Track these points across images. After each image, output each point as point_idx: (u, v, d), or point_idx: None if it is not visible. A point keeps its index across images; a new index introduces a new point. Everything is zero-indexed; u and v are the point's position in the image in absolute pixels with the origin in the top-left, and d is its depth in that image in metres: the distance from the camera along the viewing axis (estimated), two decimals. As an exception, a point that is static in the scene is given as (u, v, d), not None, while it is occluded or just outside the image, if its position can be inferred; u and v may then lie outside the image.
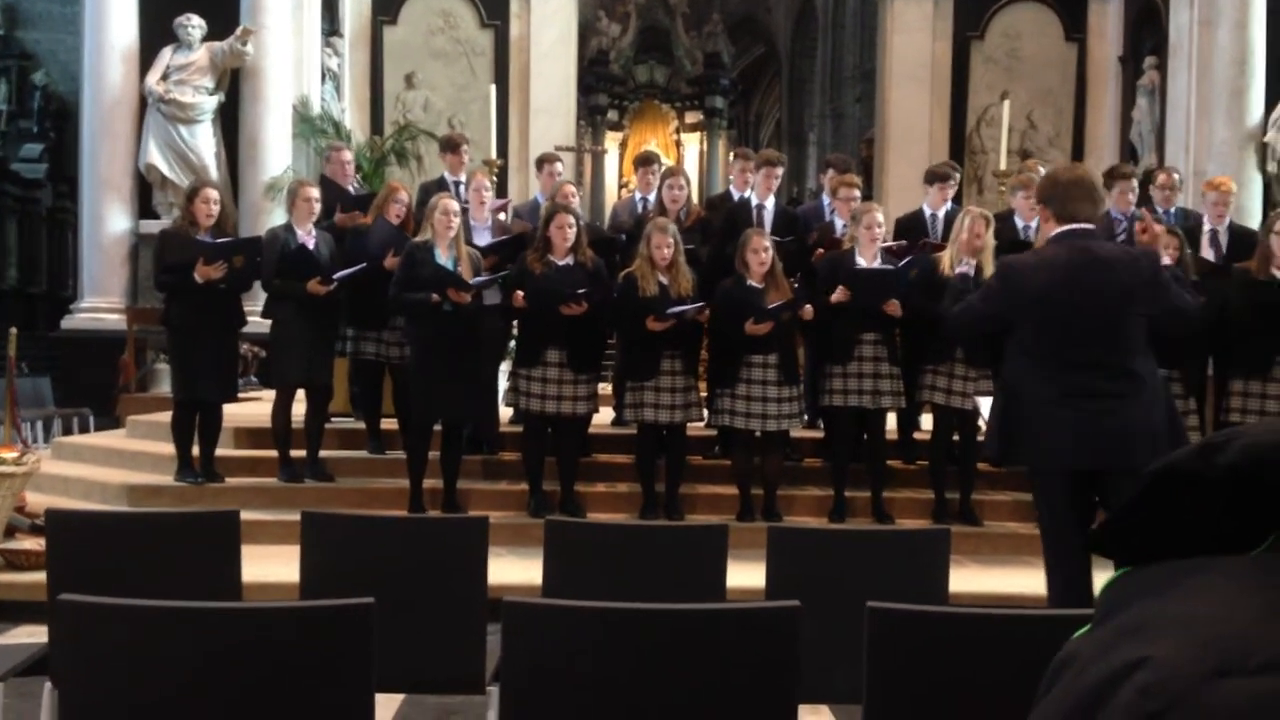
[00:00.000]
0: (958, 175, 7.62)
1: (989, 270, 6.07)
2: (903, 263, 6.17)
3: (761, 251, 5.94)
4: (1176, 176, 7.50)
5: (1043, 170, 8.15)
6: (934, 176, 7.16)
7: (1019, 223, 6.79)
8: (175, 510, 5.10)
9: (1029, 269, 4.00)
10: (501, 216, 7.16)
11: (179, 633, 2.16)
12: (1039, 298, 3.85)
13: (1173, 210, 7.16)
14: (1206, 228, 7.03)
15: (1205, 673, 0.56)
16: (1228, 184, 7.22)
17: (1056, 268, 3.85)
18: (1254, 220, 9.46)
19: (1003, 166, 9.33)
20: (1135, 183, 7.08)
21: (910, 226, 7.08)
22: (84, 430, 9.81)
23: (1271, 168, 10.76)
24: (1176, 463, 0.67)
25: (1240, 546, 0.66)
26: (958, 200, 7.56)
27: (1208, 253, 6.86)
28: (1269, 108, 10.74)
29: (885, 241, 6.45)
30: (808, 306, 5.93)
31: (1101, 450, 3.78)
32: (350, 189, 7.47)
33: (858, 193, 6.87)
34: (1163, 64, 12.21)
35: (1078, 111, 13.61)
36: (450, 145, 7.62)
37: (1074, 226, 3.87)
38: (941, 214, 7.01)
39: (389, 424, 6.84)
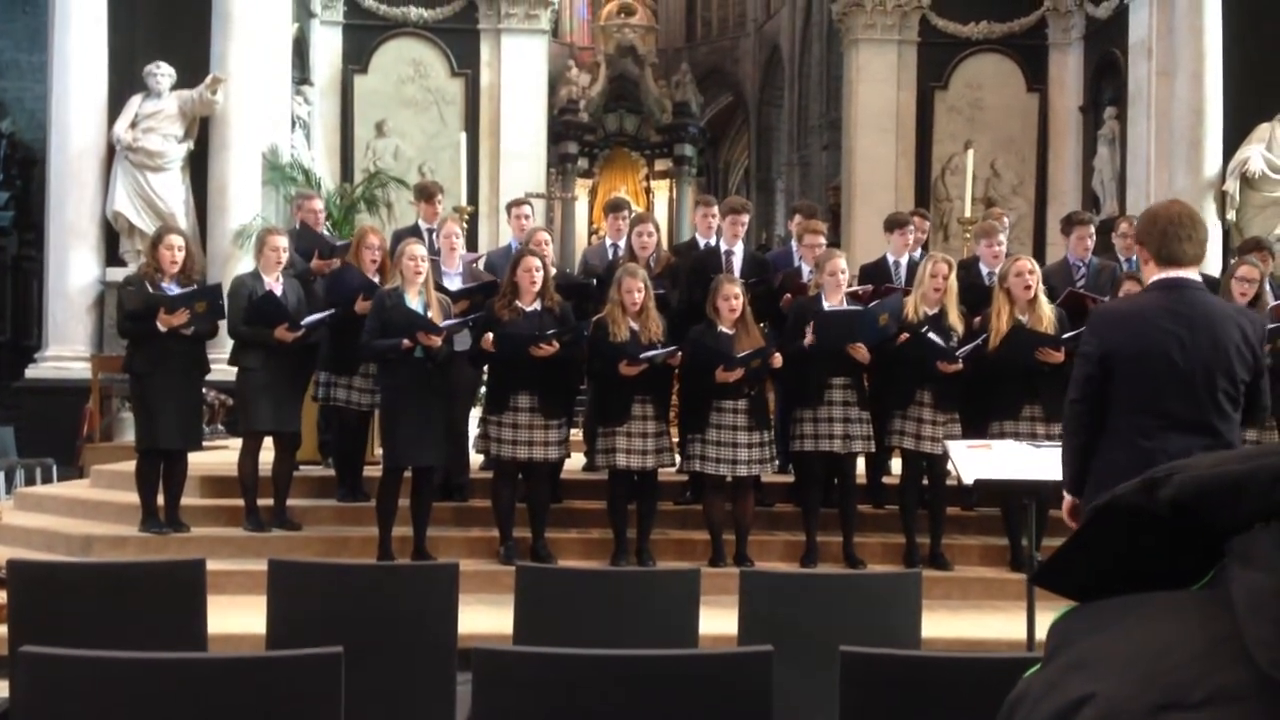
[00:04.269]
0: (925, 221, 7.72)
1: (953, 315, 6.15)
2: (871, 305, 6.22)
3: (732, 298, 5.97)
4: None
5: (1007, 220, 8.29)
6: (893, 224, 7.25)
7: (983, 269, 6.88)
8: (139, 560, 5.03)
9: (1121, 316, 3.72)
10: (475, 266, 7.18)
11: (144, 684, 2.12)
12: (1129, 349, 3.50)
13: (1133, 258, 7.27)
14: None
15: (1148, 708, 0.57)
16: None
17: (1150, 317, 3.51)
18: (1214, 268, 9.62)
19: (967, 214, 9.47)
20: (1092, 229, 7.20)
21: (873, 274, 7.15)
22: (47, 480, 9.67)
23: (1231, 215, 10.97)
24: (1120, 497, 0.67)
25: (1183, 582, 0.66)
26: (925, 248, 7.64)
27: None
28: (1226, 156, 10.97)
29: (851, 287, 6.51)
30: (777, 355, 5.96)
31: None
32: (324, 233, 7.48)
33: (822, 239, 6.93)
34: (1122, 113, 12.48)
35: (1040, 160, 13.86)
36: (425, 194, 7.64)
37: (1176, 274, 3.49)
38: (904, 261, 7.09)
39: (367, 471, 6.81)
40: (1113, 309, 4.01)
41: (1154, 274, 3.53)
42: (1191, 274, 3.51)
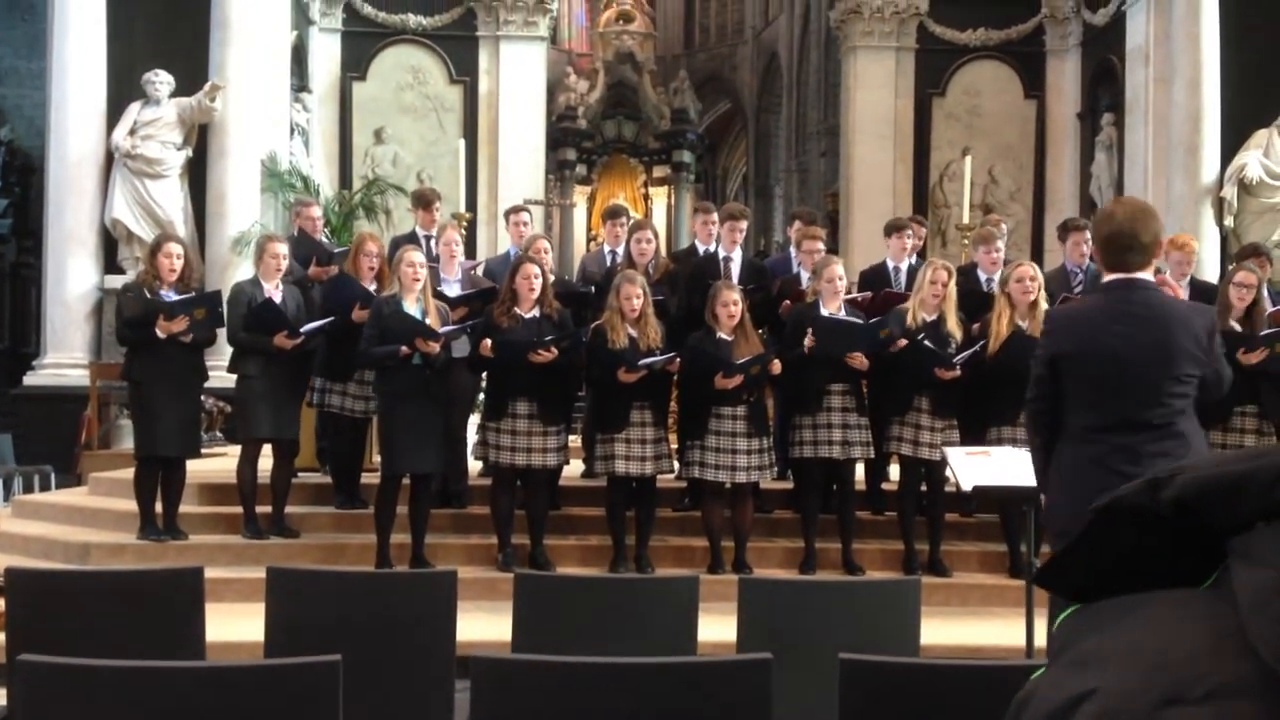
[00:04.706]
0: (922, 228, 7.72)
1: (952, 321, 6.16)
2: (873, 320, 6.21)
3: (731, 305, 5.97)
4: (1135, 231, 7.63)
5: (1005, 227, 8.31)
6: (891, 228, 7.27)
7: (981, 276, 6.88)
8: (137, 568, 5.02)
9: (1071, 319, 3.79)
10: (474, 273, 7.18)
11: (142, 693, 2.12)
12: (1078, 350, 3.56)
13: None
14: (1169, 282, 7.17)
15: (1152, 702, 0.58)
16: (1191, 244, 7.37)
17: (1097, 318, 3.58)
18: (1211, 273, 9.64)
19: (965, 220, 9.48)
20: (1088, 235, 7.20)
21: (873, 279, 7.16)
22: (45, 488, 9.66)
23: (1228, 222, 10.98)
24: (1123, 498, 0.68)
25: (1184, 583, 0.67)
26: (922, 255, 7.65)
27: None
28: (1224, 162, 10.99)
29: (849, 294, 6.51)
30: (776, 362, 5.96)
31: None
32: (322, 240, 7.49)
33: (821, 245, 6.94)
34: (1120, 120, 12.49)
35: (1038, 166, 13.88)
36: (423, 201, 7.63)
37: (1123, 276, 3.52)
38: (904, 266, 7.09)
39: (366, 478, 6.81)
40: (1064, 311, 4.05)
41: (1106, 276, 3.59)
42: (1141, 274, 3.54)
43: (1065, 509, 3.63)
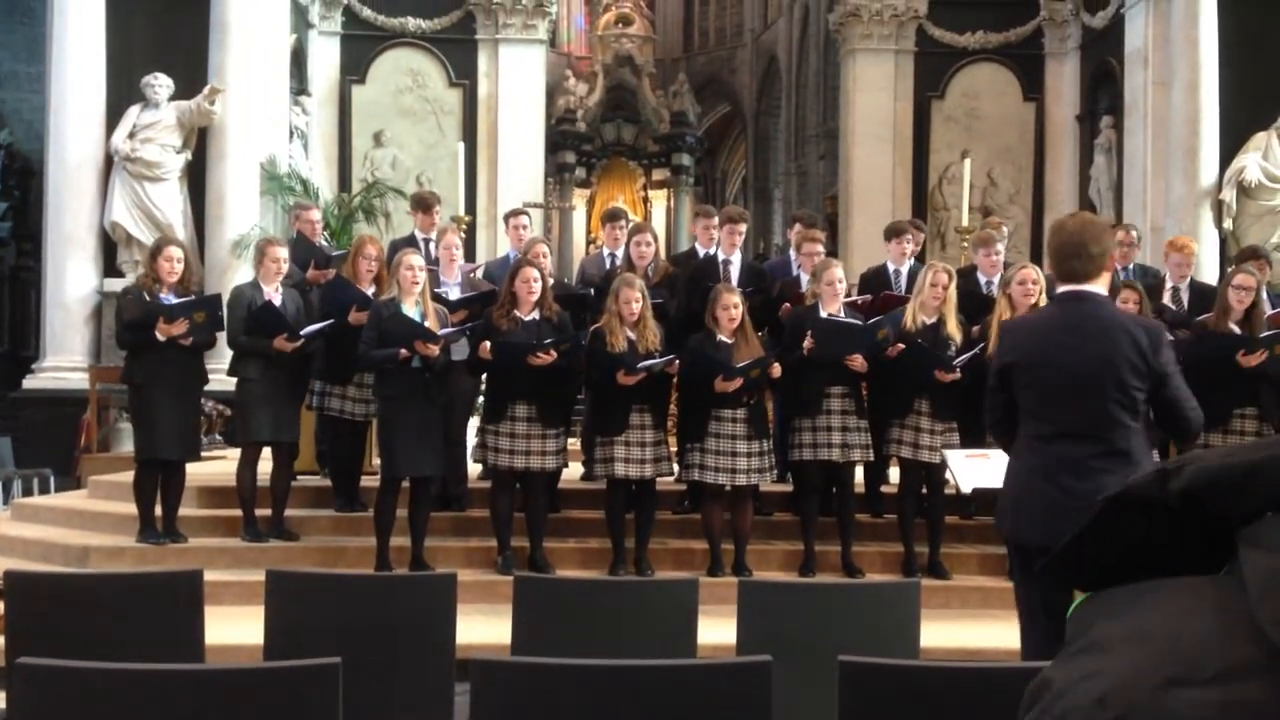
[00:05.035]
0: (920, 232, 7.72)
1: (951, 324, 6.16)
2: (871, 321, 6.22)
3: (731, 308, 5.98)
4: (1135, 234, 7.65)
5: (1005, 229, 8.32)
6: (891, 232, 7.28)
7: (981, 278, 6.89)
8: (137, 571, 5.02)
9: (1021, 329, 3.84)
10: (473, 276, 7.18)
11: (141, 696, 2.12)
12: (1025, 360, 3.60)
13: (1131, 267, 7.32)
14: (1168, 285, 7.18)
15: (1160, 682, 0.58)
16: (1191, 246, 7.39)
17: (1045, 328, 3.64)
18: (1210, 276, 9.64)
19: (964, 223, 9.48)
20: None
21: (874, 280, 7.17)
22: (44, 491, 9.65)
23: (1227, 224, 10.99)
24: (1133, 488, 0.68)
25: (1194, 574, 0.67)
26: (921, 258, 7.66)
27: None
28: (1223, 165, 10.99)
29: (849, 296, 6.51)
30: (776, 365, 5.96)
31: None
32: (320, 244, 7.48)
33: (821, 248, 6.94)
34: (1119, 123, 12.50)
35: (1037, 169, 13.89)
36: (422, 204, 7.63)
37: (1073, 288, 3.56)
38: (905, 269, 7.10)
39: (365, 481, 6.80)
40: (1016, 322, 4.11)
41: (1059, 287, 3.63)
42: (1091, 287, 3.53)
43: (1009, 517, 3.68)
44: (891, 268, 7.18)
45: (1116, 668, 0.60)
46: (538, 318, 6.06)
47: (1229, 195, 10.93)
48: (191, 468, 6.57)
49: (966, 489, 4.60)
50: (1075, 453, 3.46)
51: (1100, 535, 0.70)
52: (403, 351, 5.86)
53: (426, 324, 5.95)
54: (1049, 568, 0.74)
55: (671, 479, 6.32)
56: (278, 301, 6.39)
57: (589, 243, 20.75)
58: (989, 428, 3.83)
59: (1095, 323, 3.52)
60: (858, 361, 6.03)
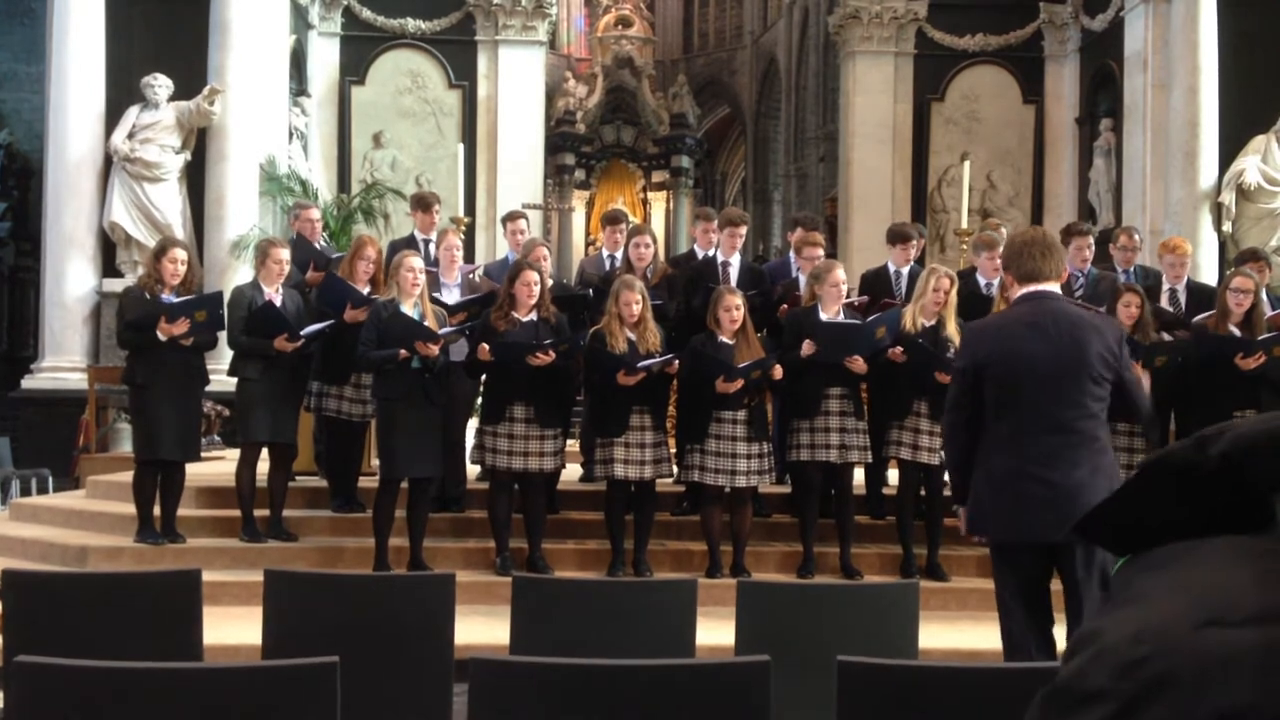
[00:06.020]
0: (920, 237, 7.72)
1: (950, 327, 6.16)
2: (869, 320, 6.22)
3: (733, 309, 5.98)
4: (1137, 237, 7.64)
5: (1005, 230, 8.32)
6: (896, 236, 7.26)
7: (981, 280, 6.88)
8: (135, 571, 5.02)
9: (988, 329, 3.95)
10: (473, 277, 7.18)
11: (140, 695, 2.12)
12: (996, 358, 3.72)
13: (1132, 269, 7.31)
14: (1166, 286, 7.17)
15: (1193, 623, 0.60)
16: (1184, 246, 7.38)
17: (1013, 327, 3.75)
18: (1210, 279, 9.64)
19: (964, 225, 9.48)
20: (1091, 240, 7.21)
21: (875, 282, 7.16)
22: (43, 491, 9.65)
23: (1226, 227, 10.99)
24: (1171, 453, 0.71)
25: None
26: (920, 260, 7.66)
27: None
28: (1222, 168, 11.00)
29: (850, 298, 6.51)
30: (778, 367, 5.96)
31: (1065, 522, 3.64)
32: (319, 245, 7.48)
33: (821, 251, 6.94)
34: (1118, 126, 12.51)
35: (1036, 171, 13.89)
36: (422, 204, 7.62)
37: (1036, 288, 3.73)
38: (906, 272, 7.10)
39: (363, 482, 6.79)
40: (981, 324, 4.19)
41: (1018, 291, 3.80)
42: (1050, 287, 3.75)
43: (987, 516, 3.76)
44: (893, 269, 7.18)
45: (1153, 613, 0.63)
46: (535, 319, 6.07)
47: (1228, 198, 10.93)
48: (190, 468, 6.57)
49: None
50: (1050, 444, 3.63)
51: (1136, 500, 0.72)
52: (403, 351, 5.87)
53: (425, 324, 5.95)
54: (1078, 526, 0.76)
55: (670, 480, 6.32)
56: (278, 302, 6.39)
57: (588, 244, 20.76)
58: (947, 429, 3.97)
59: (1065, 319, 3.72)
60: (858, 363, 6.03)
